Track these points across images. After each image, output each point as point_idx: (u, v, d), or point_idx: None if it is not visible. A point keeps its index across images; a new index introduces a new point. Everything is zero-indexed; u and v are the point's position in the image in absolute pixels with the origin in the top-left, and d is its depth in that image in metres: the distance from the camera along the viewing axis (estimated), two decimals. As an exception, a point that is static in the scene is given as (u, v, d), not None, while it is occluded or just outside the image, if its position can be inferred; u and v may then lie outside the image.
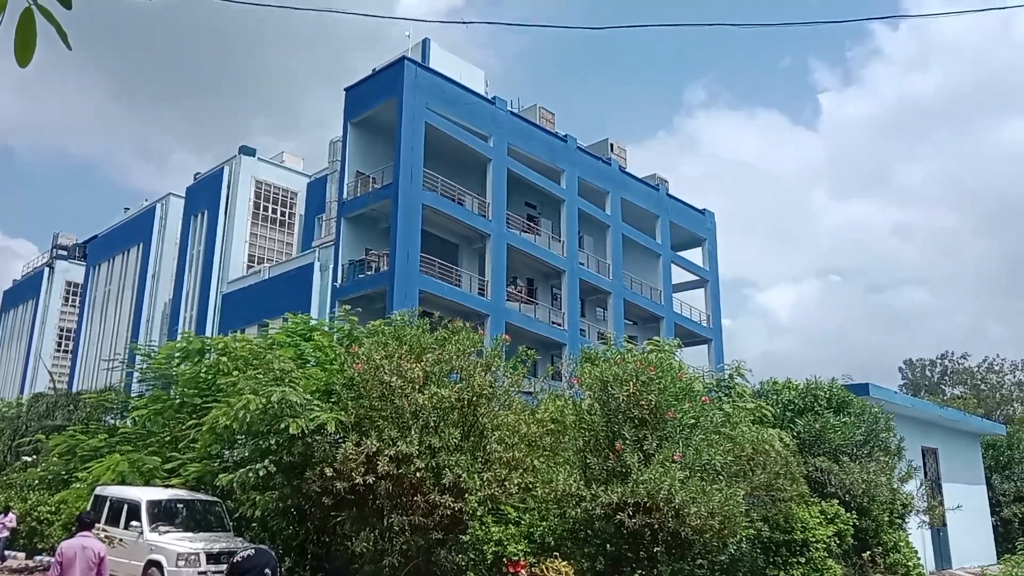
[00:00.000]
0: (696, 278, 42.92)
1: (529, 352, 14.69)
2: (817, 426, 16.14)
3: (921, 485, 19.11)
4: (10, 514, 19.14)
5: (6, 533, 18.86)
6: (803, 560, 13.40)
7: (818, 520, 13.96)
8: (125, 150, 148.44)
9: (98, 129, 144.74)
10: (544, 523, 12.14)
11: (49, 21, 1.96)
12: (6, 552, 18.92)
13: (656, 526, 10.81)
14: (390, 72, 29.89)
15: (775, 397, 17.43)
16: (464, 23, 9.60)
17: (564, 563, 11.63)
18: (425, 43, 32.42)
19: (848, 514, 14.75)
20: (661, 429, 11.50)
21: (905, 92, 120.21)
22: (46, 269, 56.83)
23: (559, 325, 33.31)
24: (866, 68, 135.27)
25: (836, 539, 14.10)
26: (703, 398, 12.58)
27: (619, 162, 38.84)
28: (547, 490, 11.50)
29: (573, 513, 11.36)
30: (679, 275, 42.26)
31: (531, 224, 34.26)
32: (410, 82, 29.07)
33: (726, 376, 17.77)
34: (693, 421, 11.83)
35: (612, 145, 39.43)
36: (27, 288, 58.62)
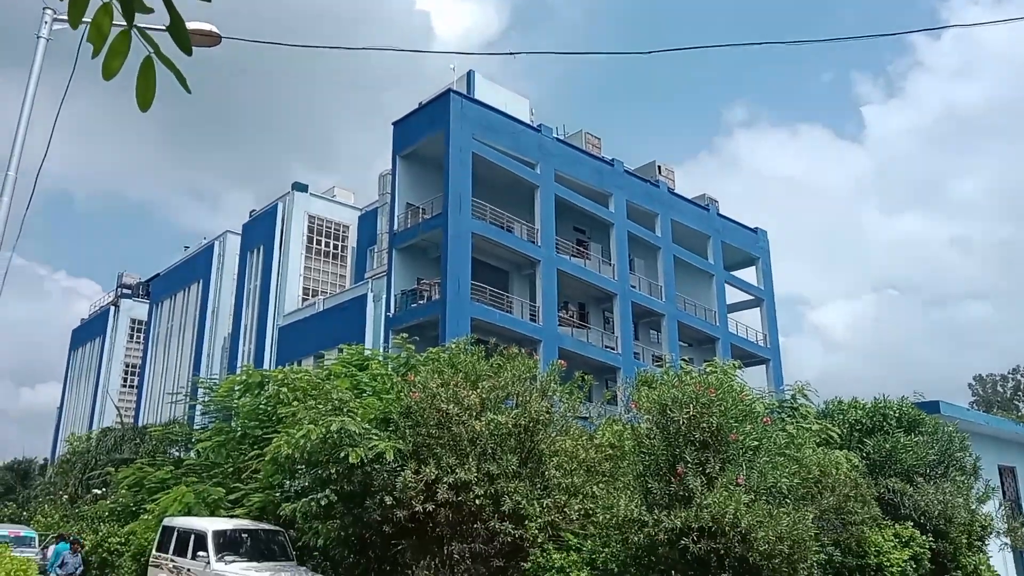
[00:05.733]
0: (751, 298, 42.20)
1: (586, 377, 14.59)
2: (888, 446, 15.59)
3: (1001, 506, 18.25)
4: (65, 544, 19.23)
5: (80, 566, 19.21)
6: (878, 586, 12.88)
7: (892, 544, 13.42)
8: (179, 191, 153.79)
9: (151, 173, 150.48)
10: (606, 549, 11.92)
11: (169, 68, 2.10)
12: None
13: (722, 551, 10.51)
14: (437, 105, 30.38)
15: (841, 417, 16.92)
16: (512, 54, 9.74)
17: (628, 591, 11.39)
18: (470, 75, 32.88)
19: (924, 537, 14.15)
20: (723, 452, 11.23)
21: (951, 102, 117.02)
22: (112, 308, 58.95)
23: (612, 349, 33.03)
24: (908, 80, 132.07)
25: (912, 563, 13.52)
26: (764, 419, 12.29)
27: (667, 184, 38.59)
28: (608, 516, 11.31)
29: (635, 539, 11.13)
30: (733, 295, 41.60)
31: (581, 249, 34.20)
32: (456, 114, 29.48)
33: (788, 397, 17.33)
34: (756, 443, 11.54)
35: (660, 167, 39.24)
36: (94, 326, 60.85)
